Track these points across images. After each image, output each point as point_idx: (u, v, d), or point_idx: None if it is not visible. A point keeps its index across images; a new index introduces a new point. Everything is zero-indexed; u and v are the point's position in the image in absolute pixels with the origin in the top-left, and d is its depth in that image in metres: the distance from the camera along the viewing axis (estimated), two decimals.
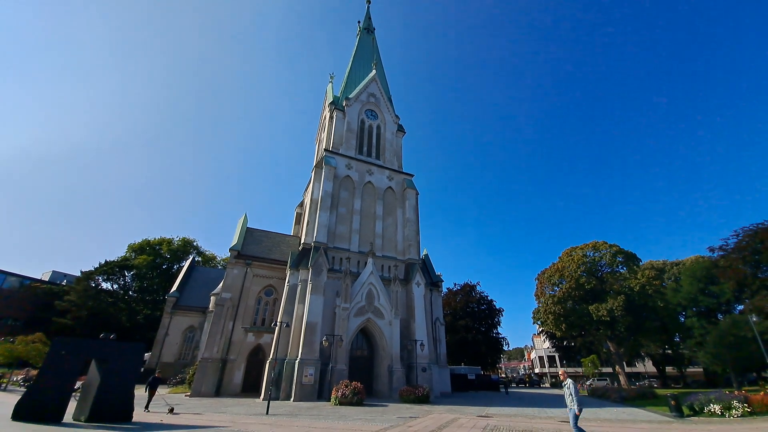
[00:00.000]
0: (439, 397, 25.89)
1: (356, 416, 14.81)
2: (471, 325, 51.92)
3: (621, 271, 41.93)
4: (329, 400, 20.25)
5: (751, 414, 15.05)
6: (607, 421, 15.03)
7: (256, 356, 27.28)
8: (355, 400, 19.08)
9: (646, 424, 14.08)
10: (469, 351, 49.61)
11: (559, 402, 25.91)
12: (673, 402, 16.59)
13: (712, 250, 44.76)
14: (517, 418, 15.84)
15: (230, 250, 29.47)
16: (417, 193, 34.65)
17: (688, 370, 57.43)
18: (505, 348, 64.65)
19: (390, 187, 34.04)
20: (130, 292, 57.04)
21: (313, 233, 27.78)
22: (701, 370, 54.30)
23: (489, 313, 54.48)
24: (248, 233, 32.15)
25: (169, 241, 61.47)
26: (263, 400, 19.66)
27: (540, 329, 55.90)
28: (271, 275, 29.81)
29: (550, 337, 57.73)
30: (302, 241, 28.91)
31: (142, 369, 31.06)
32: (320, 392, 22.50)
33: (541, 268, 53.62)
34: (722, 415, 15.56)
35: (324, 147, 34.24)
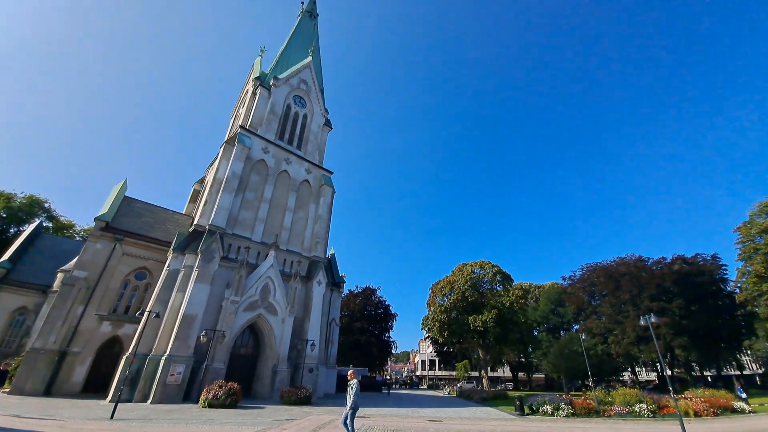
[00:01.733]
0: (322, 399, 25.62)
1: (225, 420, 13.51)
2: (366, 328, 53.27)
3: (498, 288, 48.36)
4: (198, 402, 18.13)
5: (573, 415, 18.70)
6: (467, 419, 16.91)
7: (111, 349, 22.93)
8: (229, 402, 17.47)
9: (495, 421, 16.28)
10: (360, 352, 50.73)
11: (431, 402, 28.30)
12: (518, 403, 19.75)
13: (564, 279, 55.46)
14: (392, 417, 16.61)
15: (96, 219, 24.32)
16: (333, 191, 34.20)
17: (534, 375, 69.14)
18: (394, 351, 68.22)
19: (307, 181, 32.81)
20: None
21: (210, 215, 24.84)
22: (543, 376, 66.01)
23: (384, 317, 56.78)
24: (125, 203, 27.14)
25: (9, 197, 47.70)
26: (110, 402, 16.46)
27: (427, 335, 60.55)
28: (148, 256, 25.60)
29: (434, 342, 63.00)
30: (195, 222, 25.58)
31: None
32: (188, 393, 20.00)
33: (437, 278, 58.74)
34: (552, 414, 19.01)
35: (240, 123, 31.20)
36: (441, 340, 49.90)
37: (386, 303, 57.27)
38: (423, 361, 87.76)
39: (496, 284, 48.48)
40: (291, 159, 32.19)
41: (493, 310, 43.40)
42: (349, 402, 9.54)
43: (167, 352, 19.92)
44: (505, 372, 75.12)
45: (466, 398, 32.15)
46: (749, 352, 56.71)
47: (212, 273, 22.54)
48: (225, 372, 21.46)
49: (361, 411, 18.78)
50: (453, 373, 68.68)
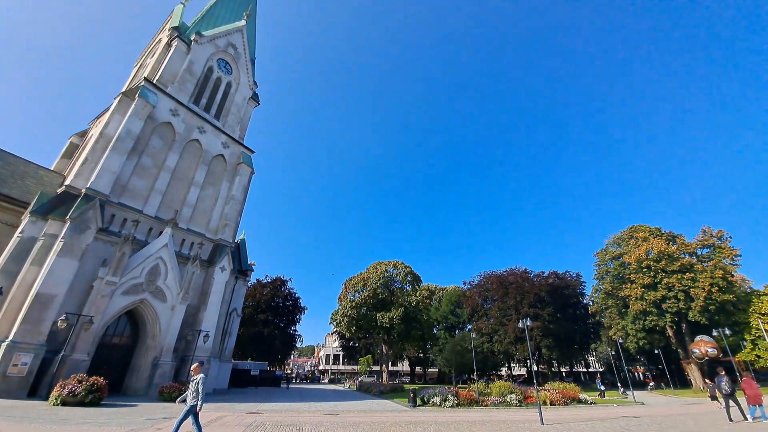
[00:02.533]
0: (211, 395, 23.43)
1: (84, 420, 11.26)
2: (271, 320, 50.74)
3: (408, 288, 51.07)
4: (48, 399, 14.83)
5: (458, 405, 20.64)
6: (363, 412, 17.28)
7: None
8: (91, 399, 14.66)
9: (389, 413, 16.99)
10: (262, 345, 48.06)
11: (330, 396, 28.30)
12: (411, 395, 21.01)
13: (465, 283, 61.29)
14: (287, 412, 16.01)
15: None
16: (252, 172, 31.64)
17: (429, 370, 74.84)
18: (299, 345, 66.54)
19: (222, 156, 29.68)
20: None
21: (90, 176, 20.58)
22: (437, 370, 71.91)
23: (292, 310, 54.89)
24: None
25: None
26: None
27: (334, 330, 60.53)
28: None
29: (341, 337, 63.38)
30: (67, 183, 20.87)
31: None
32: (35, 389, 16.24)
33: (351, 274, 59.27)
34: (440, 405, 20.74)
35: (146, 75, 26.60)
36: (348, 335, 50.46)
37: (296, 295, 55.46)
38: (327, 356, 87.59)
39: (406, 284, 51.05)
40: (206, 129, 28.76)
41: (401, 308, 45.61)
42: (194, 398, 8.02)
43: (10, 337, 15.92)
44: (404, 366, 79.61)
45: (365, 391, 33.02)
46: (594, 354, 70.85)
47: (84, 246, 18.70)
48: (88, 364, 18.02)
49: (255, 406, 17.72)
50: (356, 367, 70.07)
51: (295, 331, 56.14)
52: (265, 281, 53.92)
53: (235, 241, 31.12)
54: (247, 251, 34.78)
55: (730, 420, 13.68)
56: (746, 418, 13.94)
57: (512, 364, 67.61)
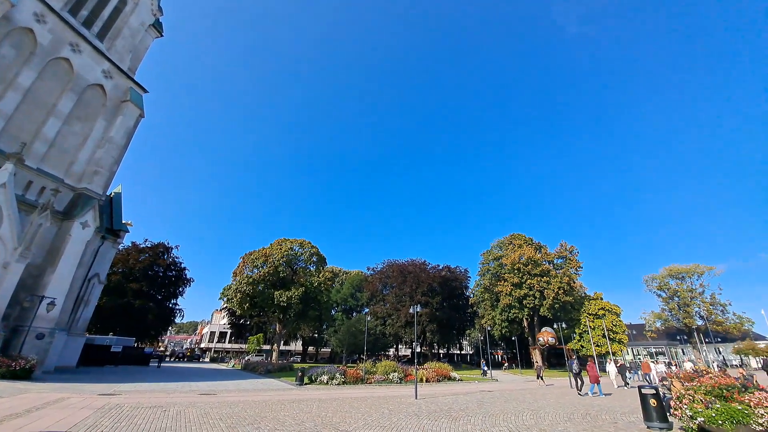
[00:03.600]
0: (53, 373, 19.27)
1: None
2: (146, 291, 44.22)
3: (311, 268, 50.24)
4: None
5: (344, 383, 21.38)
6: (245, 391, 16.48)
7: None
8: None
9: (273, 392, 16.60)
10: (130, 319, 41.53)
11: (210, 375, 26.27)
12: (299, 374, 21.03)
13: (369, 269, 63.55)
14: (154, 393, 14.21)
15: None
16: (142, 115, 26.44)
17: (322, 350, 75.80)
18: (179, 320, 59.79)
19: (101, 86, 24.00)
20: None
21: None
22: (330, 350, 73.40)
23: (175, 281, 48.82)
24: None
25: None
26: None
27: (224, 305, 56.13)
28: None
29: (231, 314, 59.21)
30: None
31: None
32: None
33: (251, 248, 55.25)
34: (327, 383, 21.22)
35: None
36: (240, 311, 47.30)
37: (182, 265, 49.38)
38: (212, 333, 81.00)
39: (311, 264, 50.21)
40: (82, 48, 22.84)
41: (301, 288, 44.71)
42: None
43: None
44: (297, 346, 78.96)
45: (251, 371, 31.65)
46: (468, 339, 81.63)
47: None
48: None
49: (111, 387, 15.26)
50: (244, 346, 66.56)
51: (176, 305, 50.21)
52: (144, 246, 46.54)
53: (107, 194, 25.96)
54: (122, 208, 29.26)
55: (580, 394, 17.54)
56: (587, 394, 17.80)
57: (400, 346, 73.25)
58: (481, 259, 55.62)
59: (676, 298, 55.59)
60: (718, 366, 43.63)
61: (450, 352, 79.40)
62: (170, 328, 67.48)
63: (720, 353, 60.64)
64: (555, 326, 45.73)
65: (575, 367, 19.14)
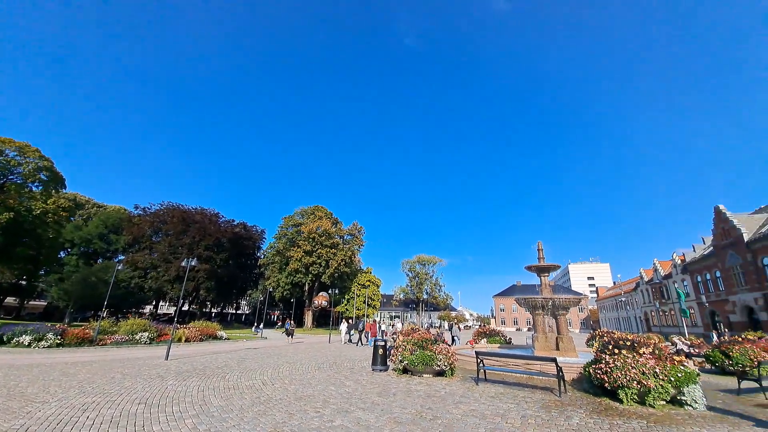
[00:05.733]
0: None
1: None
2: None
3: (34, 188, 34.83)
4: None
5: (60, 345, 16.05)
6: None
7: None
8: None
9: None
10: None
11: None
12: None
13: (137, 207, 50.49)
14: None
15: None
16: None
17: (31, 303, 54.74)
18: None
19: None
20: None
21: None
22: (46, 304, 53.98)
23: None
24: None
25: None
26: None
27: None
28: None
29: None
30: None
31: None
32: None
33: None
34: (29, 345, 15.42)
35: None
36: None
37: None
38: None
39: (35, 182, 34.86)
40: None
41: (10, 212, 30.43)
42: None
43: None
44: None
45: None
46: (248, 299, 79.81)
47: None
48: None
49: None
50: None
51: None
52: None
53: None
54: None
55: (360, 345, 23.11)
56: (368, 345, 22.80)
57: (162, 303, 63.09)
58: (282, 223, 55.42)
59: (417, 279, 75.49)
60: (428, 326, 62.38)
61: (225, 311, 75.53)
62: None
63: (431, 318, 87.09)
64: (329, 291, 51.63)
65: (360, 326, 25.89)
